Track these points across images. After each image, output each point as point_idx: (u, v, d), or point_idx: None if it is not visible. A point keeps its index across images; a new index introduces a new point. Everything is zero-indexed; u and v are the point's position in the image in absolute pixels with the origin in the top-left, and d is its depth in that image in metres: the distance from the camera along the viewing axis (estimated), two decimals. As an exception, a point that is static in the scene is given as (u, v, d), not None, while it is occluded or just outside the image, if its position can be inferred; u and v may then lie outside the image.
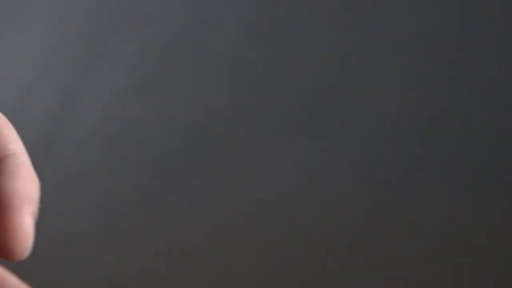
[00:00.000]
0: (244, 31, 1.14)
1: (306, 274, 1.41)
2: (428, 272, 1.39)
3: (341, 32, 1.13)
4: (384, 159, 1.27)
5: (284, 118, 1.24)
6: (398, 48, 1.15)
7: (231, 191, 1.32)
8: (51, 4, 1.11)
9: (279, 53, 1.17)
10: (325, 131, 1.24)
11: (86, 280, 1.47)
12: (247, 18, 1.12)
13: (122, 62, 1.18)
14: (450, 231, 1.34)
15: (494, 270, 1.36)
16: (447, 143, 1.25)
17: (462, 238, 1.34)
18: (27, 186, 0.46)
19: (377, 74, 1.19)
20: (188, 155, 1.29)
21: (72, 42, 1.16)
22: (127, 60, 1.18)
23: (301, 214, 1.34)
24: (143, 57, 1.17)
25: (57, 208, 1.38)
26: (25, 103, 1.23)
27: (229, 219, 1.36)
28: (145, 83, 1.21)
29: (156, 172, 1.31)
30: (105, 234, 1.40)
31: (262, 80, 1.20)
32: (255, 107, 1.23)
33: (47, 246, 1.41)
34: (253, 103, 1.23)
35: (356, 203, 1.32)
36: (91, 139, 1.28)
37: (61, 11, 1.12)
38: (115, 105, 1.23)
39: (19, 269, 1.43)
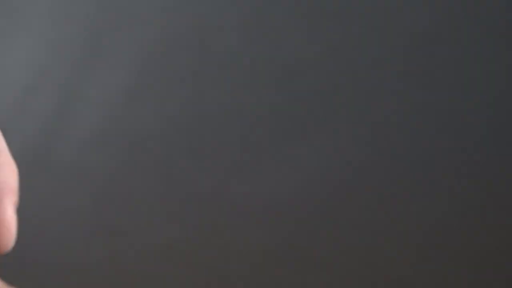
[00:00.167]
0: (244, 31, 1.14)
1: (306, 273, 1.42)
2: (428, 272, 1.39)
3: (341, 32, 1.14)
4: (384, 159, 1.27)
5: (284, 118, 1.24)
6: (398, 49, 1.15)
7: (231, 190, 1.32)
8: (51, 4, 1.11)
9: (279, 53, 1.17)
10: (325, 131, 1.24)
11: (86, 279, 1.47)
12: (247, 18, 1.12)
13: (122, 62, 1.18)
14: (451, 231, 1.34)
15: (494, 270, 1.36)
16: (447, 143, 1.25)
17: (462, 238, 1.34)
18: (5, 175, 0.45)
19: (377, 74, 1.19)
20: (188, 155, 1.29)
21: (72, 42, 1.16)
22: (127, 60, 1.18)
23: (301, 214, 1.34)
24: (143, 57, 1.18)
25: (57, 207, 1.38)
26: (25, 103, 1.23)
27: (229, 218, 1.36)
28: (145, 83, 1.21)
29: (156, 172, 1.31)
30: (105, 234, 1.40)
31: (261, 80, 1.20)
32: (255, 107, 1.23)
33: (47, 246, 1.41)
34: (253, 103, 1.23)
35: (356, 203, 1.33)
36: (91, 139, 1.28)
37: (61, 11, 1.13)
38: (115, 105, 1.23)
39: (19, 268, 1.43)
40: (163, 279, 1.46)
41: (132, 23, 1.15)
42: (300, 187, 1.30)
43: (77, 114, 1.25)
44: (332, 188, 1.30)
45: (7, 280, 1.46)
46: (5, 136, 1.28)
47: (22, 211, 1.39)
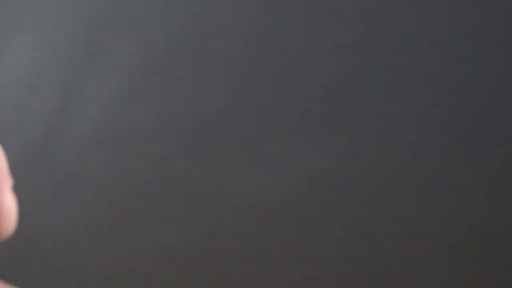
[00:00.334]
0: (244, 31, 1.14)
1: (306, 273, 1.42)
2: (428, 272, 1.39)
3: (341, 32, 1.14)
4: (384, 159, 1.27)
5: (284, 118, 1.24)
6: (398, 48, 1.15)
7: (231, 190, 1.32)
8: (51, 5, 1.11)
9: (279, 54, 1.17)
10: (325, 131, 1.24)
11: (86, 278, 1.47)
12: (247, 18, 1.12)
13: (122, 62, 1.18)
14: (451, 231, 1.34)
15: (494, 270, 1.36)
16: (447, 143, 1.25)
17: (463, 238, 1.34)
18: None
19: (377, 74, 1.19)
20: (188, 155, 1.29)
21: (72, 42, 1.16)
22: (127, 60, 1.18)
23: (301, 214, 1.34)
24: (143, 57, 1.18)
25: (57, 207, 1.38)
26: (25, 103, 1.23)
27: (229, 218, 1.36)
28: (145, 83, 1.21)
29: (156, 171, 1.31)
30: (105, 234, 1.40)
31: (262, 80, 1.20)
32: (255, 107, 1.23)
33: (47, 246, 1.41)
34: (253, 103, 1.23)
35: (356, 203, 1.33)
36: (91, 139, 1.28)
37: (61, 11, 1.13)
38: (115, 105, 1.23)
39: (19, 268, 1.43)
40: (163, 279, 1.46)
41: (132, 23, 1.15)
42: (300, 187, 1.30)
43: (77, 114, 1.25)
44: (333, 187, 1.30)
45: (7, 280, 1.46)
46: (5, 136, 1.28)
47: (22, 211, 1.39)
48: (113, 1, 1.11)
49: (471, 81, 1.18)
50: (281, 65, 1.19)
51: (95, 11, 1.13)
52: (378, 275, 1.40)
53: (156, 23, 1.14)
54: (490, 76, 1.18)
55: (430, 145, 1.25)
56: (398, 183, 1.29)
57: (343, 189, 1.30)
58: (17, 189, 1.37)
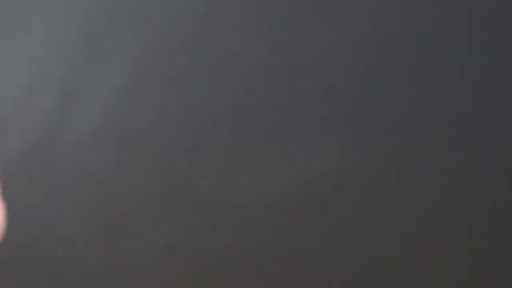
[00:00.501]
0: (244, 31, 1.14)
1: (306, 273, 1.41)
2: (428, 272, 1.39)
3: (341, 32, 1.13)
4: (385, 158, 1.27)
5: (284, 118, 1.24)
6: (398, 48, 1.15)
7: (231, 191, 1.32)
8: (51, 4, 1.11)
9: (279, 53, 1.17)
10: (325, 131, 1.24)
11: (86, 279, 1.46)
12: (247, 18, 1.12)
13: (122, 62, 1.18)
14: (451, 231, 1.34)
15: (494, 270, 1.36)
16: (448, 143, 1.25)
17: (463, 238, 1.34)
18: None
19: (377, 74, 1.19)
20: (188, 155, 1.29)
21: (72, 42, 1.16)
22: (127, 60, 1.18)
23: (302, 214, 1.34)
24: (143, 57, 1.17)
25: (57, 207, 1.38)
26: (25, 103, 1.23)
27: (230, 219, 1.36)
28: (145, 83, 1.21)
29: (156, 172, 1.31)
30: (105, 234, 1.40)
31: (262, 80, 1.20)
32: (255, 107, 1.23)
33: (47, 246, 1.41)
34: (253, 103, 1.23)
35: (356, 203, 1.32)
36: (91, 139, 1.28)
37: (61, 11, 1.12)
38: (115, 105, 1.23)
39: (19, 268, 1.43)
40: (163, 278, 1.46)
41: (132, 23, 1.14)
42: (300, 187, 1.30)
43: (77, 114, 1.25)
44: (333, 187, 1.30)
45: (7, 280, 1.46)
46: (5, 136, 1.28)
47: (22, 211, 1.39)
48: (113, 1, 1.11)
49: (471, 81, 1.18)
50: (281, 65, 1.19)
51: (95, 11, 1.13)
52: (378, 274, 1.40)
53: (156, 23, 1.14)
54: (490, 76, 1.18)
55: (430, 145, 1.25)
56: (398, 183, 1.29)
57: (343, 189, 1.30)
58: (17, 189, 1.37)
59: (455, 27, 1.11)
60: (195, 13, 1.12)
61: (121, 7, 1.12)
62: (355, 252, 1.37)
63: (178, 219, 1.36)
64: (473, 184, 1.28)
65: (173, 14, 1.12)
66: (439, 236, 1.34)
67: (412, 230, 1.34)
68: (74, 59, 1.18)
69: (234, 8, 1.11)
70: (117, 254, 1.41)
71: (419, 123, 1.22)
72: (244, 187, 1.31)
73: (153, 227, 1.37)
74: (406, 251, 1.36)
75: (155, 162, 1.30)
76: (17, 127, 1.28)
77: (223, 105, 1.23)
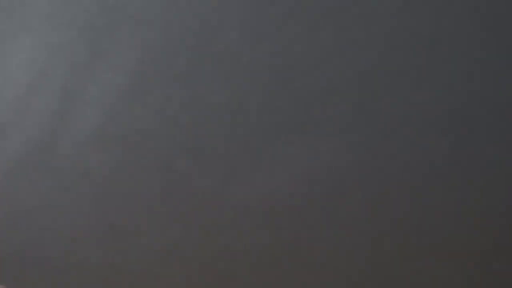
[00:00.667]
0: (244, 31, 1.14)
1: (306, 272, 1.42)
2: (428, 272, 1.39)
3: (341, 32, 1.14)
4: (384, 158, 1.27)
5: (284, 118, 1.24)
6: (398, 48, 1.15)
7: (231, 190, 1.32)
8: (51, 5, 1.11)
9: (279, 53, 1.17)
10: (325, 131, 1.24)
11: (86, 277, 1.47)
12: (247, 18, 1.12)
13: (122, 63, 1.18)
14: (451, 230, 1.34)
15: (494, 270, 1.36)
16: (447, 142, 1.25)
17: (463, 238, 1.34)
18: None
19: (377, 74, 1.19)
20: (188, 155, 1.29)
21: (72, 42, 1.16)
22: (127, 60, 1.18)
23: (301, 213, 1.34)
24: (142, 58, 1.18)
25: (57, 206, 1.38)
26: (26, 103, 1.23)
27: (230, 218, 1.36)
28: (145, 84, 1.21)
29: (156, 171, 1.31)
30: (105, 234, 1.40)
31: (262, 80, 1.20)
32: (255, 107, 1.23)
33: (47, 245, 1.41)
34: (253, 103, 1.23)
35: (356, 203, 1.33)
36: (91, 139, 1.28)
37: (61, 11, 1.13)
38: (115, 105, 1.23)
39: (20, 267, 1.43)
40: (163, 278, 1.46)
41: (132, 24, 1.15)
42: (300, 187, 1.30)
43: (78, 114, 1.25)
44: (331, 187, 1.30)
45: (8, 279, 1.46)
46: (6, 135, 1.28)
47: (22, 211, 1.39)
48: (113, 3, 1.11)
49: (471, 81, 1.18)
50: (281, 65, 1.19)
51: (95, 11, 1.13)
52: (378, 273, 1.40)
53: (156, 24, 1.14)
54: (490, 76, 1.18)
55: (430, 145, 1.25)
56: (398, 183, 1.29)
57: (343, 189, 1.30)
58: (17, 189, 1.37)
59: (455, 27, 1.11)
60: (195, 13, 1.12)
61: (121, 8, 1.12)
62: (355, 251, 1.37)
63: (178, 219, 1.36)
64: (473, 184, 1.28)
65: (173, 14, 1.12)
66: (439, 236, 1.34)
67: (412, 229, 1.34)
68: (74, 59, 1.18)
69: (234, 8, 1.11)
70: (117, 254, 1.41)
71: (419, 123, 1.22)
72: (244, 187, 1.31)
73: (153, 227, 1.37)
74: (406, 250, 1.37)
75: (155, 162, 1.30)
76: (18, 127, 1.28)
77: (223, 105, 1.23)
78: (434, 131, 1.23)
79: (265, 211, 1.33)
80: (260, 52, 1.17)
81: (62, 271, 1.44)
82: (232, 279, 1.44)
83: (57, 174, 1.33)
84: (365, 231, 1.34)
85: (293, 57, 1.17)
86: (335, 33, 1.14)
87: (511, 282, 1.34)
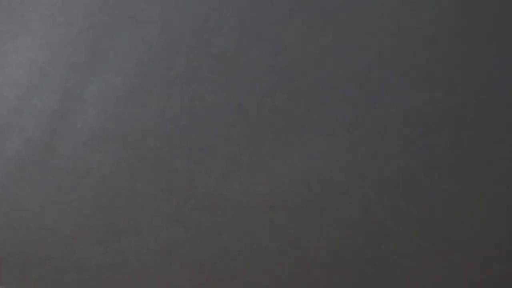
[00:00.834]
0: (244, 31, 1.14)
1: (306, 272, 1.41)
2: (428, 272, 1.39)
3: (341, 32, 1.14)
4: (384, 158, 1.27)
5: (283, 118, 1.24)
6: (398, 48, 1.15)
7: (231, 190, 1.32)
8: (51, 5, 1.11)
9: (279, 53, 1.17)
10: (325, 131, 1.24)
11: (86, 277, 1.47)
12: (247, 18, 1.12)
13: (122, 63, 1.18)
14: (451, 230, 1.34)
15: (494, 270, 1.36)
16: (447, 143, 1.25)
17: (463, 238, 1.34)
18: None
19: (377, 74, 1.19)
20: (188, 155, 1.29)
21: (72, 42, 1.16)
22: (127, 60, 1.18)
23: (301, 213, 1.34)
24: (142, 58, 1.18)
25: (57, 206, 1.38)
26: (26, 103, 1.23)
27: (229, 218, 1.36)
28: (145, 84, 1.21)
29: (156, 171, 1.31)
30: (106, 234, 1.40)
31: (262, 80, 1.20)
32: (255, 107, 1.23)
33: (48, 244, 1.41)
34: (253, 103, 1.23)
35: (356, 202, 1.32)
36: (91, 139, 1.28)
37: (61, 12, 1.13)
38: (115, 105, 1.23)
39: (20, 267, 1.43)
40: (163, 278, 1.46)
41: (132, 25, 1.15)
42: (299, 187, 1.30)
43: (78, 115, 1.25)
44: (332, 187, 1.30)
45: (8, 279, 1.46)
46: (7, 136, 1.28)
47: (22, 210, 1.39)
48: (113, 3, 1.11)
49: (471, 81, 1.18)
50: (281, 65, 1.19)
51: (95, 11, 1.13)
52: (377, 273, 1.40)
53: (156, 24, 1.14)
54: (490, 76, 1.18)
55: (430, 145, 1.25)
56: (398, 182, 1.29)
57: (343, 188, 1.30)
58: (17, 189, 1.37)
59: (455, 27, 1.11)
60: (195, 13, 1.12)
61: (121, 8, 1.12)
62: (354, 251, 1.37)
63: (178, 219, 1.36)
64: (473, 184, 1.28)
65: (173, 14, 1.12)
66: (439, 236, 1.34)
67: (412, 229, 1.34)
68: (74, 59, 1.18)
69: (234, 8, 1.11)
70: (117, 253, 1.41)
71: (419, 123, 1.22)
72: (244, 187, 1.31)
73: (153, 227, 1.37)
74: (405, 250, 1.36)
75: (155, 162, 1.30)
76: (19, 127, 1.28)
77: (223, 105, 1.23)
78: (434, 131, 1.23)
79: (265, 211, 1.33)
80: (260, 52, 1.17)
81: (62, 271, 1.44)
82: (231, 279, 1.43)
83: (57, 174, 1.32)
84: (365, 231, 1.34)
85: (293, 57, 1.17)
86: (335, 33, 1.13)
87: (511, 282, 1.34)
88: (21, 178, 1.32)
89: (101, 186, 1.34)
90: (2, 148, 1.28)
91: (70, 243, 1.41)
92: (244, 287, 1.44)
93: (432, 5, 1.10)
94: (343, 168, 1.27)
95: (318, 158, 1.26)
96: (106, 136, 1.27)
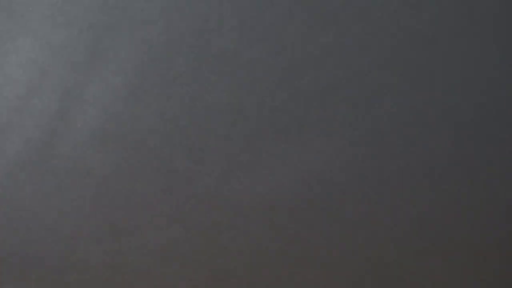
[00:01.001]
0: (244, 31, 1.14)
1: (306, 272, 1.41)
2: (428, 272, 1.39)
3: (341, 32, 1.14)
4: (384, 158, 1.27)
5: (283, 118, 1.24)
6: (398, 48, 1.15)
7: (231, 190, 1.32)
8: (51, 5, 1.11)
9: (279, 53, 1.17)
10: (325, 131, 1.24)
11: (86, 277, 1.47)
12: (247, 18, 1.12)
13: (122, 63, 1.18)
14: (451, 230, 1.34)
15: (494, 269, 1.36)
16: (447, 143, 1.25)
17: (464, 238, 1.34)
18: None
19: (377, 74, 1.19)
20: (188, 155, 1.29)
21: (72, 42, 1.16)
22: (127, 61, 1.18)
23: (301, 213, 1.34)
24: (143, 58, 1.18)
25: (57, 206, 1.38)
26: (27, 104, 1.23)
27: (229, 218, 1.36)
28: (145, 84, 1.21)
29: (156, 171, 1.31)
30: (106, 233, 1.40)
31: (262, 80, 1.20)
32: (255, 107, 1.23)
33: (48, 244, 1.41)
34: (253, 103, 1.23)
35: (356, 202, 1.32)
36: (91, 139, 1.28)
37: (61, 12, 1.13)
38: (115, 105, 1.23)
39: (20, 266, 1.43)
40: (163, 278, 1.46)
41: (132, 25, 1.15)
42: (299, 187, 1.30)
43: (78, 114, 1.25)
44: (332, 187, 1.30)
45: (7, 280, 1.46)
46: (7, 136, 1.28)
47: (22, 210, 1.39)
48: (113, 3, 1.11)
49: (471, 81, 1.18)
50: (280, 65, 1.19)
51: (95, 11, 1.13)
52: (378, 274, 1.40)
53: (156, 24, 1.14)
54: (490, 76, 1.18)
55: (430, 145, 1.25)
56: (397, 182, 1.29)
57: (343, 188, 1.30)
58: (17, 189, 1.37)
59: (455, 27, 1.11)
60: (195, 13, 1.12)
61: (121, 8, 1.12)
62: (354, 251, 1.37)
63: (178, 219, 1.36)
64: (473, 184, 1.28)
65: (173, 14, 1.12)
66: (439, 236, 1.34)
67: (412, 229, 1.34)
68: (74, 60, 1.18)
69: (234, 8, 1.11)
70: (117, 253, 1.41)
71: (419, 123, 1.22)
72: (244, 187, 1.31)
73: (153, 227, 1.37)
74: (405, 250, 1.36)
75: (155, 162, 1.30)
76: (19, 127, 1.28)
77: (223, 105, 1.23)
78: (434, 131, 1.23)
79: (265, 211, 1.33)
80: (260, 52, 1.17)
81: (62, 271, 1.44)
82: (231, 279, 1.44)
83: (57, 174, 1.32)
84: (365, 231, 1.34)
85: (293, 57, 1.17)
86: (335, 33, 1.14)
87: (511, 282, 1.34)
88: (21, 178, 1.32)
89: (101, 186, 1.34)
90: (2, 148, 1.28)
91: (70, 243, 1.41)
92: (244, 287, 1.44)
93: (432, 5, 1.10)
94: (343, 168, 1.27)
95: (318, 158, 1.26)
96: (106, 136, 1.27)
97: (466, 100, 1.20)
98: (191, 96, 1.22)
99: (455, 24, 1.12)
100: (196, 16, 1.13)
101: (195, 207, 1.34)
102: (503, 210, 1.29)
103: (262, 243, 1.37)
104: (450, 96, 1.19)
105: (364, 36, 1.14)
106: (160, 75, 1.20)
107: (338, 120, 1.23)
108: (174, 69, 1.19)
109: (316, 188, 1.30)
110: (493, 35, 1.13)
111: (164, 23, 1.14)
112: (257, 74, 1.19)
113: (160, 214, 1.37)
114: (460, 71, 1.17)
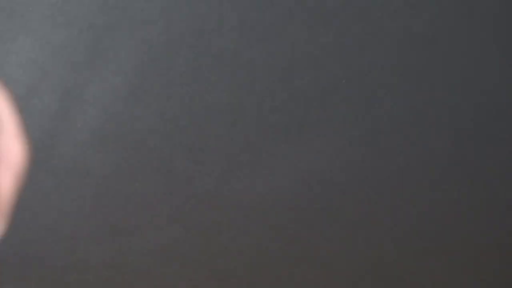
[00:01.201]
0: (244, 31, 1.14)
1: (306, 272, 1.41)
2: (428, 272, 1.39)
3: (341, 32, 1.14)
4: (384, 158, 1.27)
5: (283, 118, 1.24)
6: (398, 48, 1.15)
7: (231, 190, 1.32)
8: (51, 5, 1.11)
9: (279, 53, 1.17)
10: (325, 131, 1.24)
11: (87, 278, 1.47)
12: (247, 18, 1.12)
13: (122, 63, 1.18)
14: (452, 230, 1.34)
15: (494, 269, 1.36)
16: (447, 143, 1.25)
17: (464, 238, 1.34)
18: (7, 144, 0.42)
19: (377, 74, 1.19)
20: (188, 155, 1.29)
21: (73, 43, 1.16)
22: (127, 61, 1.18)
23: (301, 213, 1.34)
24: (143, 58, 1.18)
25: (58, 206, 1.38)
26: (26, 103, 1.23)
27: (229, 218, 1.36)
28: (145, 84, 1.21)
29: (156, 171, 1.31)
30: (106, 233, 1.40)
31: (262, 80, 1.20)
32: (255, 107, 1.23)
33: (48, 244, 1.41)
34: (253, 103, 1.23)
35: (356, 202, 1.32)
36: (91, 139, 1.28)
37: (61, 12, 1.13)
38: (115, 105, 1.23)
39: (20, 266, 1.43)
40: (163, 278, 1.46)
41: (132, 25, 1.15)
42: (299, 187, 1.30)
43: (78, 115, 1.25)
44: (332, 187, 1.30)
45: (7, 280, 1.46)
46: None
47: (22, 210, 1.39)
48: (113, 3, 1.11)
49: (471, 81, 1.18)
50: (280, 65, 1.19)
51: (95, 11, 1.13)
52: (378, 274, 1.40)
53: (156, 24, 1.14)
54: (489, 76, 1.18)
55: (430, 145, 1.25)
56: (397, 182, 1.29)
57: (343, 188, 1.30)
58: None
59: (455, 27, 1.11)
60: (195, 13, 1.12)
61: (121, 8, 1.12)
62: (354, 251, 1.37)
63: (178, 219, 1.36)
64: (474, 184, 1.28)
65: (173, 14, 1.12)
66: (439, 236, 1.34)
67: (412, 229, 1.34)
68: (74, 60, 1.18)
69: (234, 8, 1.11)
70: (117, 253, 1.41)
71: (419, 123, 1.22)
72: (244, 187, 1.31)
73: (153, 227, 1.37)
74: (405, 250, 1.36)
75: (155, 162, 1.30)
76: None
77: (223, 105, 1.23)
78: (434, 131, 1.23)
79: (265, 211, 1.33)
80: (260, 52, 1.17)
81: (62, 271, 1.44)
82: (231, 279, 1.43)
83: (57, 174, 1.32)
84: (365, 231, 1.34)
85: (293, 57, 1.17)
86: (335, 33, 1.13)
87: (511, 282, 1.34)
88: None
89: (101, 186, 1.34)
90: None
91: (70, 243, 1.41)
92: (244, 287, 1.44)
93: (432, 5, 1.11)
94: (343, 168, 1.27)
95: (318, 158, 1.26)
96: (106, 136, 1.27)
97: (466, 100, 1.20)
98: (191, 96, 1.22)
99: (455, 24, 1.12)
100: (196, 16, 1.12)
101: (195, 207, 1.34)
102: (503, 210, 1.29)
103: (262, 243, 1.37)
104: (450, 96, 1.19)
105: (364, 36, 1.14)
106: (160, 75, 1.20)
107: (338, 120, 1.23)
108: (174, 69, 1.19)
109: (316, 188, 1.30)
110: (493, 35, 1.13)
111: (164, 23, 1.14)
112: (257, 74, 1.19)
113: (160, 214, 1.37)
114: (460, 71, 1.17)
